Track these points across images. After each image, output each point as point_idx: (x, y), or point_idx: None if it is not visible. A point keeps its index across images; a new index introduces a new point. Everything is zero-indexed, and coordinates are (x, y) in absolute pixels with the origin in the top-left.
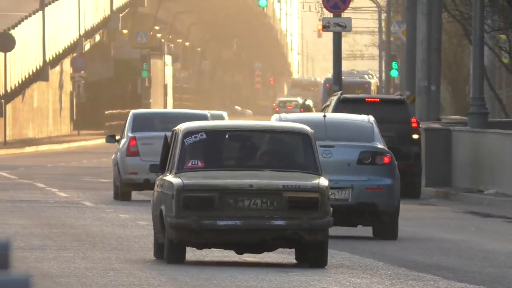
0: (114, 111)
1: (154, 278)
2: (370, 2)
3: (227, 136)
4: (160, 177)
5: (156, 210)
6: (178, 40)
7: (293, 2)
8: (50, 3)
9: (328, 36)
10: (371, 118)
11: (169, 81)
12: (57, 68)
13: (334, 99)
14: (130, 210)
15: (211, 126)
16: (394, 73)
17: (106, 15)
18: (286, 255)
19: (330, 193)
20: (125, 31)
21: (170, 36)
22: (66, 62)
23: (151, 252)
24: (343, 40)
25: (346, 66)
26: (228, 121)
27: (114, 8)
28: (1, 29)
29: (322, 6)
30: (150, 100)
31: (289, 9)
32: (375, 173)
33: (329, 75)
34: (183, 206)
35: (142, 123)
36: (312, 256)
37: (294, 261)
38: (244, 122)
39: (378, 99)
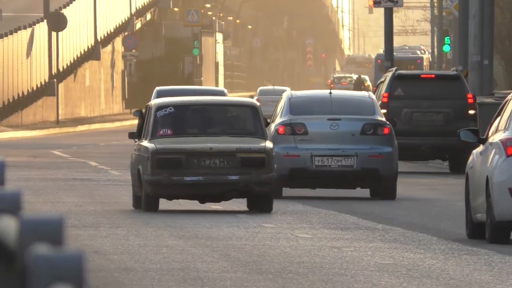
0: None
1: (207, 255)
2: None
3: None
4: (137, 143)
5: (134, 169)
6: (229, 18)
7: None
8: None
9: (380, 11)
10: (371, 94)
11: (220, 58)
12: (109, 47)
13: (388, 76)
14: None
15: (178, 101)
16: (446, 48)
17: None
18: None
19: (327, 159)
20: (176, 9)
21: (221, 14)
22: (118, 41)
23: (204, 229)
24: (395, 15)
25: (397, 41)
26: (192, 97)
27: None
28: (53, 9)
29: None
30: (202, 78)
31: None
32: (376, 142)
33: (381, 51)
34: (157, 165)
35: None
36: (260, 205)
37: (246, 208)
38: (205, 98)
39: (434, 75)
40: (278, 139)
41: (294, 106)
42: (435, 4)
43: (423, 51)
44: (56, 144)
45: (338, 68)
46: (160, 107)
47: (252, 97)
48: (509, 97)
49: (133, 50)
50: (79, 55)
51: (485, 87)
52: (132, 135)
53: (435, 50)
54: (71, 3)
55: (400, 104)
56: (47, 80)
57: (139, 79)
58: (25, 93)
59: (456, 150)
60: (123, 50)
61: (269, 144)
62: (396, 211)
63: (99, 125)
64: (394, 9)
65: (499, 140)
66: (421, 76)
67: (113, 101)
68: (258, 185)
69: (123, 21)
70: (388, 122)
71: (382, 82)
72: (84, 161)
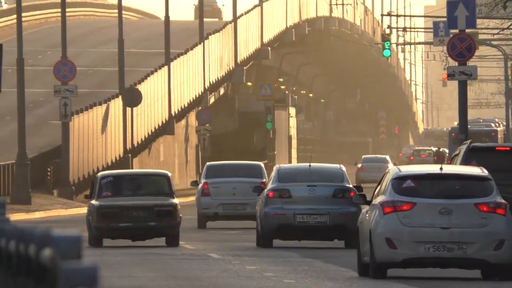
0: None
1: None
2: (496, 50)
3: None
4: (89, 202)
5: (88, 219)
6: (301, 92)
7: (417, 51)
8: (175, 58)
9: (453, 84)
10: (342, 166)
11: (293, 132)
12: (183, 121)
13: (463, 148)
14: (256, 261)
15: (115, 173)
16: None
17: (231, 68)
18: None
19: (295, 216)
20: (249, 84)
21: (294, 88)
22: (192, 116)
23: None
24: (469, 88)
25: (471, 114)
26: (126, 170)
27: (238, 61)
28: (128, 84)
29: (447, 55)
30: (275, 152)
31: (413, 58)
32: (345, 204)
33: (455, 124)
34: (100, 216)
35: (213, 171)
36: (171, 242)
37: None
38: (135, 170)
39: (509, 148)
40: (268, 201)
41: (282, 176)
42: (510, 77)
43: (497, 124)
44: None
45: (411, 142)
46: (103, 177)
47: (356, 164)
48: (387, 170)
49: (207, 125)
50: (153, 130)
51: None
52: (86, 197)
53: (510, 122)
54: (146, 78)
55: None
56: (122, 155)
57: (213, 153)
58: (100, 168)
59: None
60: (197, 125)
61: (175, 201)
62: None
63: None
64: (468, 82)
65: (378, 203)
66: (496, 148)
67: (187, 175)
68: (168, 228)
69: (197, 95)
70: (353, 188)
71: (457, 155)
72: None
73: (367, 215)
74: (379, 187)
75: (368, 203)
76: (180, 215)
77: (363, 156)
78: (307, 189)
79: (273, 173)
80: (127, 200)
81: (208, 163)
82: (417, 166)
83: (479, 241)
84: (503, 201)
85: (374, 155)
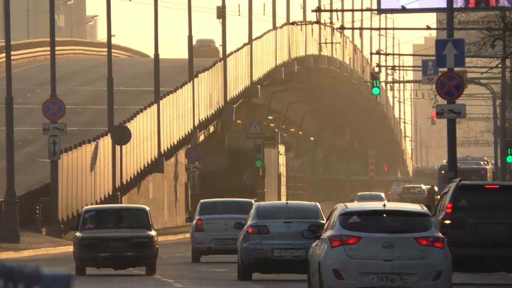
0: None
1: None
2: (484, 89)
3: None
4: (74, 234)
5: (74, 250)
6: (291, 129)
7: (406, 89)
8: (165, 96)
9: (442, 122)
10: (317, 204)
11: (282, 170)
12: (172, 159)
13: (452, 186)
14: None
15: (98, 207)
16: (510, 159)
17: (220, 106)
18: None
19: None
20: (238, 122)
21: (284, 126)
22: (181, 153)
23: None
24: (458, 126)
25: (460, 152)
26: (108, 205)
27: (228, 99)
28: (117, 122)
29: (436, 93)
30: (265, 190)
31: (402, 96)
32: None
33: (444, 162)
34: (83, 247)
35: (207, 208)
36: (149, 271)
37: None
38: (116, 206)
39: (498, 186)
40: (248, 237)
41: (260, 213)
42: (498, 115)
43: (486, 162)
44: None
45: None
46: (86, 211)
47: (352, 200)
48: (335, 207)
49: (196, 162)
50: (142, 168)
51: None
52: (72, 228)
53: (499, 161)
54: (135, 116)
55: (464, 215)
56: (111, 193)
57: (202, 191)
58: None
59: None
60: (186, 162)
61: (152, 233)
62: None
63: (162, 238)
64: (457, 120)
65: (327, 237)
66: (485, 186)
67: (176, 213)
68: (145, 258)
69: (187, 133)
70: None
71: (446, 193)
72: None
73: (317, 248)
74: (327, 222)
75: (318, 237)
76: (157, 246)
77: (359, 194)
78: (283, 225)
79: (252, 210)
80: (108, 232)
81: (202, 201)
82: (363, 203)
83: (419, 272)
84: (440, 235)
85: (369, 192)
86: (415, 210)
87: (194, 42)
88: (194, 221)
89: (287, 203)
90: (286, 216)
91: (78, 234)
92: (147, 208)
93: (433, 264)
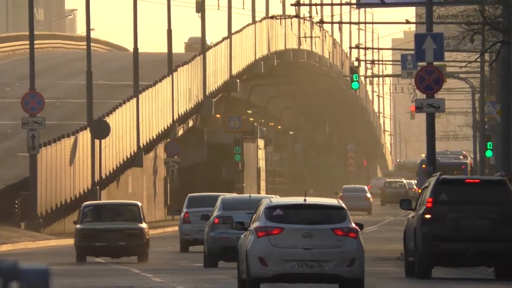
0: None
1: None
2: (464, 83)
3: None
4: (76, 225)
5: (74, 240)
6: (270, 124)
7: (386, 84)
8: (144, 90)
9: (421, 117)
10: (278, 197)
11: (262, 164)
12: (151, 153)
13: (432, 181)
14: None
15: (96, 203)
16: (489, 153)
17: (199, 100)
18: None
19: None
20: (218, 116)
21: (263, 120)
22: (160, 148)
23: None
24: (437, 121)
25: (439, 147)
26: (104, 201)
27: (207, 93)
28: (96, 117)
29: (415, 87)
30: (244, 184)
31: (381, 90)
32: None
33: (423, 156)
34: (82, 237)
35: (194, 202)
36: (141, 259)
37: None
38: (111, 201)
39: (478, 180)
40: (214, 227)
41: (226, 205)
42: (477, 109)
43: (465, 156)
44: None
45: (379, 174)
46: (85, 206)
47: (337, 194)
48: (261, 202)
49: (176, 157)
50: (122, 162)
51: None
52: (74, 222)
53: (478, 155)
54: (114, 110)
55: (445, 209)
56: (90, 188)
57: (181, 185)
58: (68, 200)
59: (502, 256)
60: (165, 157)
61: (143, 225)
62: None
63: None
64: (436, 114)
65: (253, 228)
66: (466, 181)
67: (155, 207)
68: (136, 247)
69: (166, 127)
70: None
71: (426, 187)
72: (127, 268)
73: (245, 238)
74: (255, 216)
75: (246, 229)
76: (148, 236)
77: (343, 186)
78: (247, 216)
79: (218, 202)
80: (103, 224)
81: (189, 195)
82: (286, 198)
83: (335, 259)
84: (354, 226)
85: (353, 185)
86: (332, 204)
87: (186, 40)
88: (182, 214)
89: (250, 196)
90: (249, 208)
91: (78, 226)
92: (140, 204)
93: (347, 252)
